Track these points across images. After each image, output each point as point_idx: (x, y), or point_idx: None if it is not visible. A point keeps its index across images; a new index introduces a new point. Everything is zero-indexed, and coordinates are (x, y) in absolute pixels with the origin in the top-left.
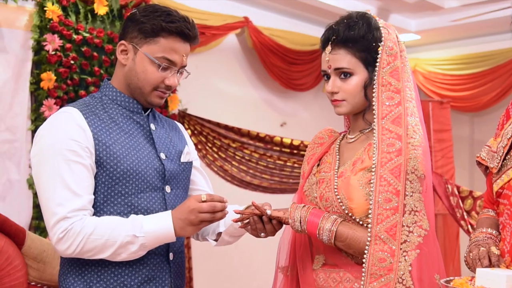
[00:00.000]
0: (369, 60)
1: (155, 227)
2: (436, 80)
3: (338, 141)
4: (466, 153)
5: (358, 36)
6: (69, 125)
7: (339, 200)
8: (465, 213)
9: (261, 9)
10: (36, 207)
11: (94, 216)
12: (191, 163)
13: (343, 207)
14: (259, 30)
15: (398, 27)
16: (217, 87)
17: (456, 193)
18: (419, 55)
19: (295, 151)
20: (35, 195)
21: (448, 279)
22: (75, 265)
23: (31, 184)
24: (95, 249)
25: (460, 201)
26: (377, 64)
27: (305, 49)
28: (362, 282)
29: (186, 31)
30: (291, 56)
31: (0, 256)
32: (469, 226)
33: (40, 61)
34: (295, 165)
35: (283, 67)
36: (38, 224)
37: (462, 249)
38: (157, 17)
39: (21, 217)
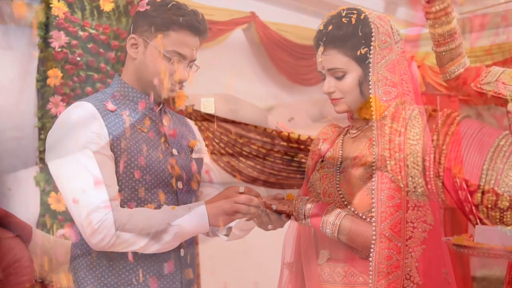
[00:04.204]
0: (362, 56)
1: (189, 216)
2: None
3: (342, 136)
4: None
5: (346, 35)
6: (85, 118)
7: (341, 196)
8: (473, 207)
9: (267, 4)
10: (43, 204)
11: (126, 208)
12: (202, 159)
13: (345, 203)
14: (266, 25)
15: (405, 21)
16: (224, 83)
17: (465, 187)
18: (427, 49)
19: (302, 146)
20: (42, 192)
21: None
22: (86, 259)
23: (38, 182)
24: (129, 240)
25: (468, 195)
26: (370, 60)
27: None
28: (370, 281)
29: (197, 24)
30: (299, 50)
31: (7, 253)
32: (478, 220)
33: (46, 58)
34: (303, 160)
35: (291, 61)
36: (45, 221)
37: None
38: (167, 11)
39: (28, 215)
